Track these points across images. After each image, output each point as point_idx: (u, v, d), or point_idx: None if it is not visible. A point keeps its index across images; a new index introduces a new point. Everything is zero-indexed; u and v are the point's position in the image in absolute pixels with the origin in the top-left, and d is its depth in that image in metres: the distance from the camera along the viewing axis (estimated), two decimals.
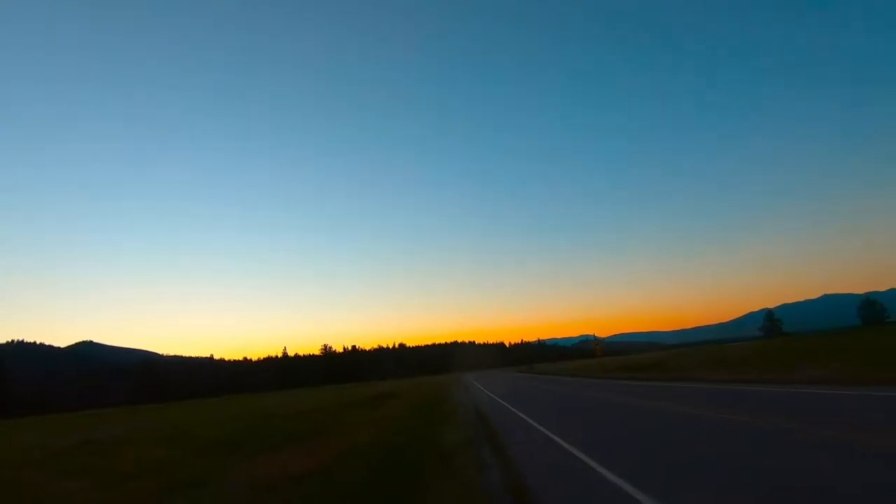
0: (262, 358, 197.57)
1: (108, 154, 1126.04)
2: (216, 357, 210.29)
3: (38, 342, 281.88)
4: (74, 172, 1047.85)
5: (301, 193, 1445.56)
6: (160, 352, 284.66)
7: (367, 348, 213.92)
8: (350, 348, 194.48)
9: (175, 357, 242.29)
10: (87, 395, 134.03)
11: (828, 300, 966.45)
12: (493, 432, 11.59)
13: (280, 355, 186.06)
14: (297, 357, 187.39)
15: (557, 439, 9.53)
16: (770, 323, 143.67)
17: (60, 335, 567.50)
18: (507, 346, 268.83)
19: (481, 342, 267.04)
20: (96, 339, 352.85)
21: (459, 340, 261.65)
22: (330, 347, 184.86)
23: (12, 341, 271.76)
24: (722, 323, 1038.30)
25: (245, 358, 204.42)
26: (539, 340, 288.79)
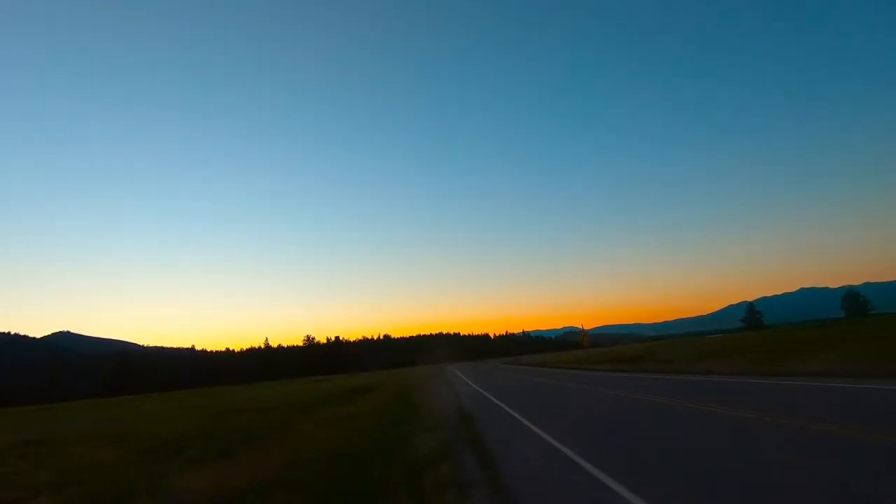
0: (244, 349, 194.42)
1: (86, 144, 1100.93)
2: (198, 348, 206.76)
3: (12, 332, 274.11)
4: (52, 162, 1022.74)
5: (285, 185, 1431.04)
6: (140, 343, 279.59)
7: (352, 339, 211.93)
8: (333, 339, 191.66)
9: (155, 348, 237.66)
10: (60, 387, 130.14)
11: (805, 293, 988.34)
12: (479, 436, 9.59)
13: (262, 346, 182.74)
14: (279, 348, 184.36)
15: (567, 451, 7.31)
16: (752, 315, 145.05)
17: (36, 326, 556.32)
18: (492, 337, 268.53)
19: (466, 334, 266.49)
20: (73, 330, 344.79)
21: (444, 332, 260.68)
22: (313, 338, 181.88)
23: None
24: (702, 315, 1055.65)
25: (227, 349, 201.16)
26: (524, 332, 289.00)
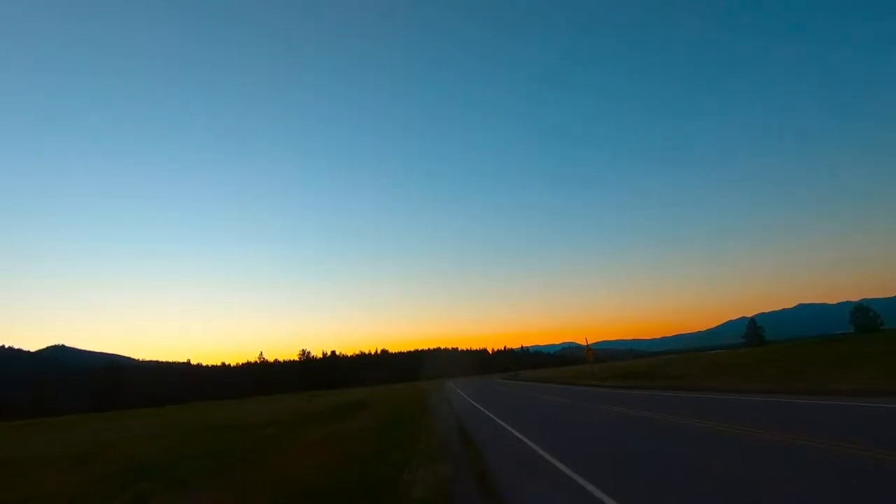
0: (240, 364, 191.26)
1: (84, 158, 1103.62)
2: (193, 362, 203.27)
3: (6, 346, 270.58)
4: (50, 176, 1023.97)
5: (281, 200, 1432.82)
6: (136, 357, 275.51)
7: (349, 354, 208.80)
8: (329, 354, 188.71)
9: (151, 362, 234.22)
10: (54, 401, 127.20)
11: (803, 309, 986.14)
12: (488, 471, 7.68)
13: (257, 360, 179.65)
14: (275, 363, 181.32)
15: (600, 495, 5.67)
16: (753, 331, 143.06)
17: (31, 339, 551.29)
18: (490, 352, 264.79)
19: (464, 349, 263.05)
20: (69, 344, 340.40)
21: (442, 347, 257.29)
22: (308, 353, 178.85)
23: None
24: (701, 331, 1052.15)
25: (223, 363, 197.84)
26: (523, 347, 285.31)
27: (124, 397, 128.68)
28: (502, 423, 15.10)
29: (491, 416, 18.36)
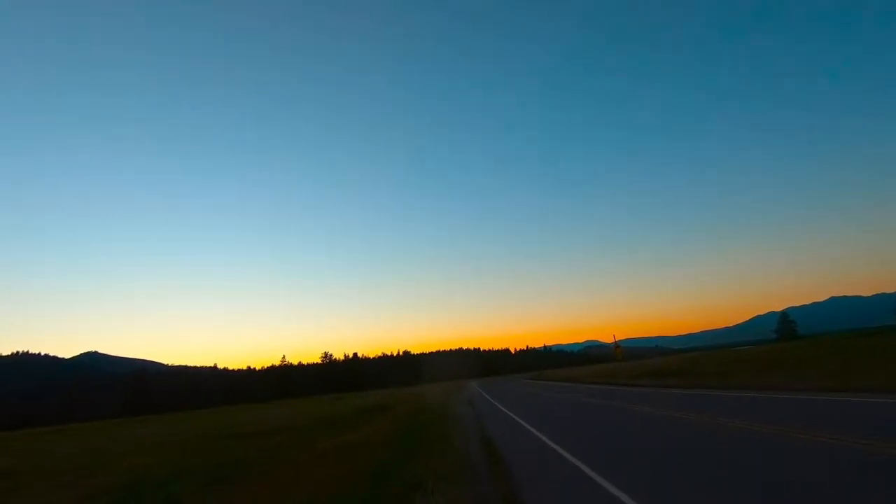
0: (264, 367, 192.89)
1: (113, 169, 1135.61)
2: (220, 366, 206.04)
3: (42, 353, 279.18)
4: (80, 185, 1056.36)
5: (304, 206, 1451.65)
6: (164, 362, 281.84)
7: (371, 356, 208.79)
8: (351, 356, 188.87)
9: (179, 367, 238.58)
10: (85, 406, 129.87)
11: (835, 302, 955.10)
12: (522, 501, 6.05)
13: (280, 364, 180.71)
14: (298, 365, 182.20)
15: None
16: (785, 325, 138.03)
17: (65, 346, 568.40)
18: (513, 352, 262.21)
19: (486, 349, 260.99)
20: (101, 350, 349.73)
21: (464, 347, 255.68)
22: (330, 355, 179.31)
23: (17, 353, 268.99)
24: (729, 327, 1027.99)
25: (248, 367, 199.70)
26: (545, 346, 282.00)
27: (154, 402, 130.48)
28: (537, 434, 13.30)
29: (521, 422, 16.49)
